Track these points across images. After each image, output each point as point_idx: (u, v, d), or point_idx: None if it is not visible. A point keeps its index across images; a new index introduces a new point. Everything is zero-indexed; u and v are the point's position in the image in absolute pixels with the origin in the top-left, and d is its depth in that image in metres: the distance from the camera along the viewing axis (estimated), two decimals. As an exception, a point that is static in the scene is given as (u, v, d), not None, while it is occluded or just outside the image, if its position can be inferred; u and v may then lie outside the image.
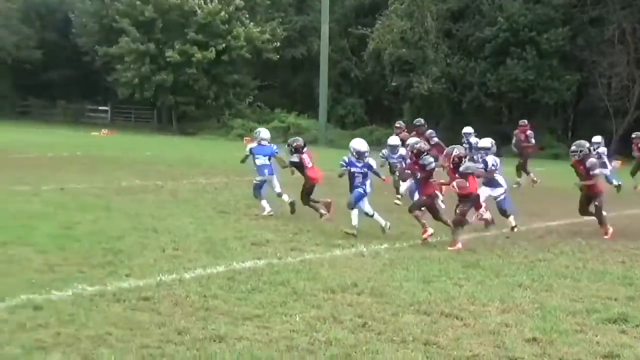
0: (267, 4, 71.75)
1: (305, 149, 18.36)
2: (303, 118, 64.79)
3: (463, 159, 15.48)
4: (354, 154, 16.16)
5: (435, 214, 16.03)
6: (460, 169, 15.24)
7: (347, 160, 16.21)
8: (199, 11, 65.47)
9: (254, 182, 18.94)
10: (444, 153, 16.13)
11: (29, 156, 32.89)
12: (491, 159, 17.81)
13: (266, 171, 18.76)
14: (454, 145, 16.17)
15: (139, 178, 25.34)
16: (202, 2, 65.81)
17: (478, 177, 15.96)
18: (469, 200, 15.17)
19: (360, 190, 16.01)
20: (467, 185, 15.01)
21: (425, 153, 15.85)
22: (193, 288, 10.37)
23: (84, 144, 43.20)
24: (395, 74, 60.18)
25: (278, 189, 18.89)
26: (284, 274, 11.49)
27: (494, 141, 18.91)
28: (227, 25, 66.48)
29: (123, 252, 12.72)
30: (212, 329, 8.55)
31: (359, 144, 16.35)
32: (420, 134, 24.84)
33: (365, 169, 16.10)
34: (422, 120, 26.22)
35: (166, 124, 71.31)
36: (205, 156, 38.07)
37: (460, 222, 15.06)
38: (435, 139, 23.92)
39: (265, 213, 18.21)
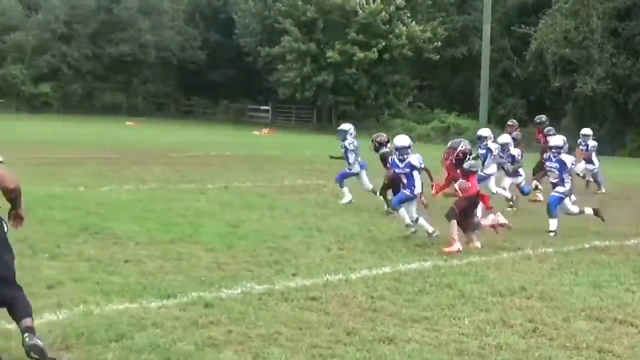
0: (428, 3, 71.46)
1: (389, 144, 17.89)
2: (463, 118, 64.14)
3: (468, 155, 13.91)
4: (395, 151, 15.42)
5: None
6: (464, 165, 13.80)
7: (391, 161, 15.63)
8: (360, 11, 65.72)
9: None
10: (448, 145, 14.41)
11: (194, 155, 33.64)
12: (568, 158, 16.63)
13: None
14: (460, 139, 14.78)
15: (301, 177, 25.63)
16: (364, 2, 66.06)
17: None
18: (469, 199, 13.75)
19: (406, 192, 15.02)
20: (470, 186, 13.68)
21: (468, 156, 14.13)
22: (360, 289, 10.35)
23: (246, 143, 43.97)
24: (558, 74, 58.87)
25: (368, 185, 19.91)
26: (451, 277, 11.36)
27: (565, 139, 17.89)
28: (387, 25, 66.53)
29: (289, 251, 12.83)
30: (380, 331, 8.50)
31: (398, 139, 15.46)
32: (539, 132, 24.42)
33: (408, 169, 15.04)
34: (544, 118, 25.81)
35: (326, 123, 71.81)
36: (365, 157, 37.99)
37: (455, 217, 13.52)
38: None
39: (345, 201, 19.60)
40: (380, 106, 69.56)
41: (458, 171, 13.90)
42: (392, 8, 66.78)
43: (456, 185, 13.69)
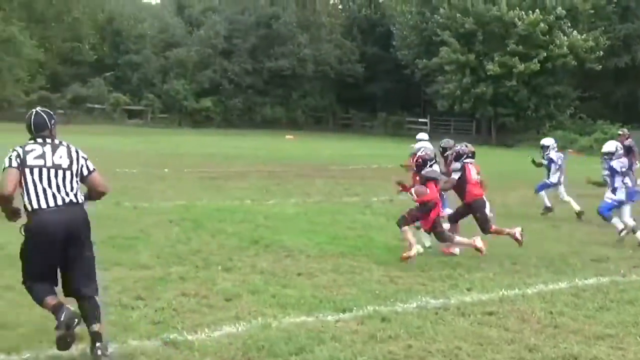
0: (589, 12, 69.83)
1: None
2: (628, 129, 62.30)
3: (428, 161, 13.48)
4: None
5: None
6: (423, 172, 13.33)
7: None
8: (519, 22, 64.80)
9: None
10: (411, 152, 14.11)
11: (354, 168, 33.76)
12: (617, 164, 15.87)
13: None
14: (423, 145, 14.67)
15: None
16: (522, 13, 65.12)
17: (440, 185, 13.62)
18: (425, 207, 13.04)
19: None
20: (427, 192, 13.01)
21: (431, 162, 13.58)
22: (537, 304, 10.14)
23: (406, 156, 43.68)
24: None
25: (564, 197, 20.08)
26: (631, 292, 11.00)
27: (619, 145, 16.96)
28: (547, 36, 65.36)
29: (461, 265, 12.67)
30: (564, 348, 8.28)
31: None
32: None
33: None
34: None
35: (485, 135, 71.04)
36: (519, 167, 37.28)
37: (405, 224, 12.97)
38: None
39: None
40: (540, 118, 68.33)
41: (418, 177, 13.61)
42: (551, 18, 65.55)
43: (412, 190, 13.22)
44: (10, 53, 71.05)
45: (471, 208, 14.14)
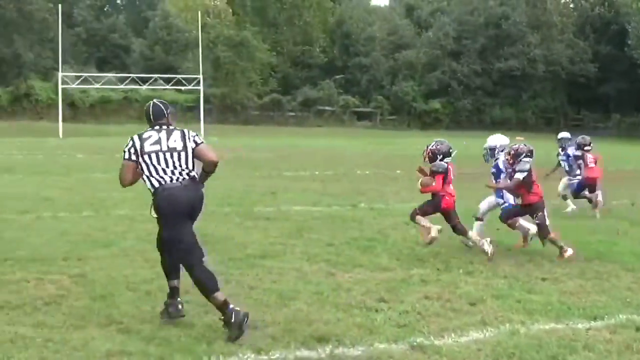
0: None
1: None
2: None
3: (438, 155, 13.13)
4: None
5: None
6: (432, 165, 13.13)
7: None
8: None
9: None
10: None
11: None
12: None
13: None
14: (439, 139, 13.73)
15: None
16: None
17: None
18: (434, 199, 13.01)
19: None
20: (433, 184, 12.89)
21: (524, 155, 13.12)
22: None
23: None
24: None
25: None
26: None
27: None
28: None
29: None
30: None
31: (490, 138, 14.68)
32: None
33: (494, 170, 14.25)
34: None
35: None
36: None
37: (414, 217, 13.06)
38: None
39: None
40: None
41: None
42: None
43: (419, 181, 13.02)
44: (243, 57, 73.39)
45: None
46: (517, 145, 13.59)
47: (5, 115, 64.84)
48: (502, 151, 14.21)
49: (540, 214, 13.18)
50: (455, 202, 13.21)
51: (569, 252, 12.84)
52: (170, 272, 8.91)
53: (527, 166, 13.16)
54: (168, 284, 8.93)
